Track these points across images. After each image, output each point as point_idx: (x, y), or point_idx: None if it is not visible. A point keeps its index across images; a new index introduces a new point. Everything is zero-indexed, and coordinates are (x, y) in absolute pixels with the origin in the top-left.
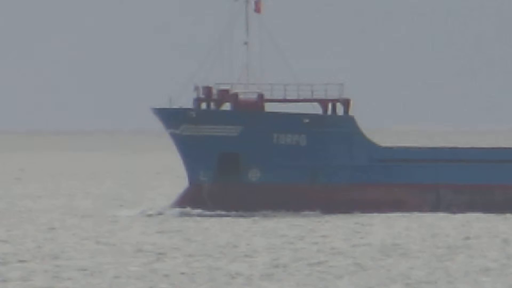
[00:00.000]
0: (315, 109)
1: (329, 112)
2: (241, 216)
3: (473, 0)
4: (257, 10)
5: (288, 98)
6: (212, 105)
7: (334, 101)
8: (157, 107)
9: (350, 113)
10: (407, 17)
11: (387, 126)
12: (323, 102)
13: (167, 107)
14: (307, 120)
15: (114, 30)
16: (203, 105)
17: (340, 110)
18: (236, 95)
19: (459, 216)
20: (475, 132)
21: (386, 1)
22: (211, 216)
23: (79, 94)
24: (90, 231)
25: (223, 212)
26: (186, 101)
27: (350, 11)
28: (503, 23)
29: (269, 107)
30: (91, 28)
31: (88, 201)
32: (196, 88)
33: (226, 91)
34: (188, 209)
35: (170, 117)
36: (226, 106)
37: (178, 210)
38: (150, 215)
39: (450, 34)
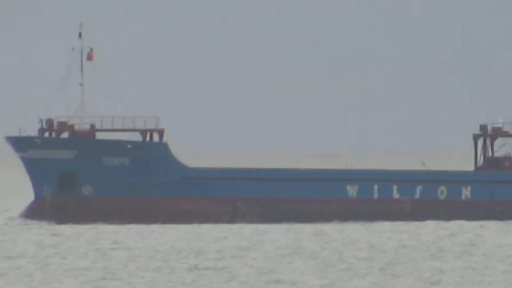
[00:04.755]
0: (136, 137)
1: (147, 139)
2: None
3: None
4: (89, 58)
5: (115, 128)
6: (53, 134)
7: (151, 131)
8: (9, 135)
9: (165, 140)
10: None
11: (205, 151)
12: (142, 132)
13: (17, 135)
14: (129, 146)
15: None
16: (46, 134)
17: (156, 138)
18: (72, 126)
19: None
20: (294, 155)
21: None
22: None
23: None
24: None
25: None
26: (32, 131)
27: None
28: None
29: (99, 135)
30: None
31: None
32: (41, 120)
33: (65, 122)
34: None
35: (20, 143)
36: (65, 135)
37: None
38: None
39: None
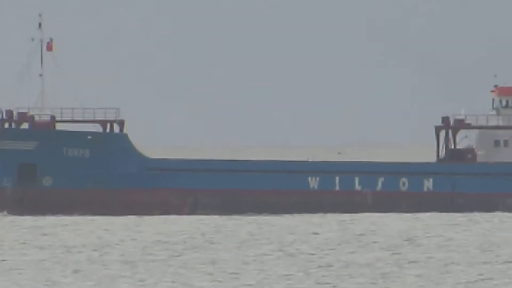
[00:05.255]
0: (97, 128)
1: (108, 130)
2: None
3: None
4: (49, 48)
5: (75, 119)
6: (13, 125)
7: (111, 122)
8: None
9: (125, 131)
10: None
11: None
12: (103, 123)
13: None
14: (90, 137)
15: None
16: (6, 125)
17: (116, 129)
18: (32, 117)
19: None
20: (256, 147)
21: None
22: None
23: None
24: None
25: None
26: None
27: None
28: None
29: (60, 127)
30: None
31: None
32: (0, 111)
33: (25, 113)
34: None
35: None
36: (25, 126)
37: None
38: None
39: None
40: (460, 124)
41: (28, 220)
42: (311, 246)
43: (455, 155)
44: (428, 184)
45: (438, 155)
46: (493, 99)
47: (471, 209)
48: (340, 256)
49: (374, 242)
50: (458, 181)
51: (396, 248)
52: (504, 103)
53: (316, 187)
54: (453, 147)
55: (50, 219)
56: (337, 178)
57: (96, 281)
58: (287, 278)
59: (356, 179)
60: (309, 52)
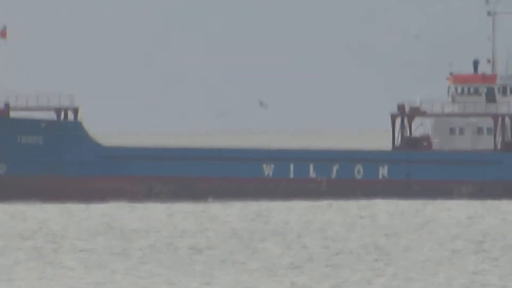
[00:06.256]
0: (51, 115)
1: (62, 118)
2: None
3: None
4: (2, 35)
5: (29, 106)
6: None
7: (66, 109)
8: None
9: (79, 119)
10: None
11: (124, 129)
12: (57, 110)
13: None
14: (44, 125)
15: None
16: None
17: (71, 116)
18: None
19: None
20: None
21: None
22: None
23: None
24: None
25: None
26: None
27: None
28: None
29: (13, 114)
30: None
31: None
32: None
33: None
34: None
35: None
36: None
37: None
38: None
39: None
40: (416, 112)
41: None
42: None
43: (410, 143)
44: (383, 171)
45: (393, 143)
46: (448, 87)
47: (426, 196)
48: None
49: None
50: (413, 168)
51: None
52: (459, 90)
53: (271, 174)
54: (408, 134)
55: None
56: (291, 166)
57: None
58: None
59: (311, 167)
60: (274, 44)
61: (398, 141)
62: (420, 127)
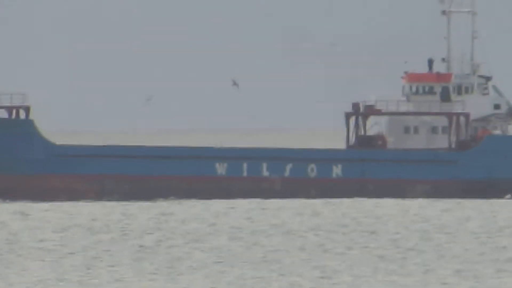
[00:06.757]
0: (2, 113)
1: (13, 116)
2: None
3: None
4: None
5: None
6: None
7: (17, 108)
8: None
9: (31, 117)
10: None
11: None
12: (8, 108)
13: None
14: None
15: None
16: None
17: (22, 115)
18: None
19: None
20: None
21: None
22: None
23: None
24: None
25: None
26: None
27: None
28: None
29: None
30: None
31: None
32: None
33: None
34: None
35: None
36: None
37: None
38: None
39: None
40: (370, 110)
41: None
42: None
43: (365, 142)
44: (337, 170)
45: (348, 142)
46: (403, 86)
47: (380, 195)
48: None
49: None
50: (368, 167)
51: None
52: (414, 89)
53: (224, 173)
54: (363, 133)
55: None
56: (244, 165)
57: None
58: None
59: (264, 165)
60: (223, 41)
61: (352, 140)
62: (374, 126)
